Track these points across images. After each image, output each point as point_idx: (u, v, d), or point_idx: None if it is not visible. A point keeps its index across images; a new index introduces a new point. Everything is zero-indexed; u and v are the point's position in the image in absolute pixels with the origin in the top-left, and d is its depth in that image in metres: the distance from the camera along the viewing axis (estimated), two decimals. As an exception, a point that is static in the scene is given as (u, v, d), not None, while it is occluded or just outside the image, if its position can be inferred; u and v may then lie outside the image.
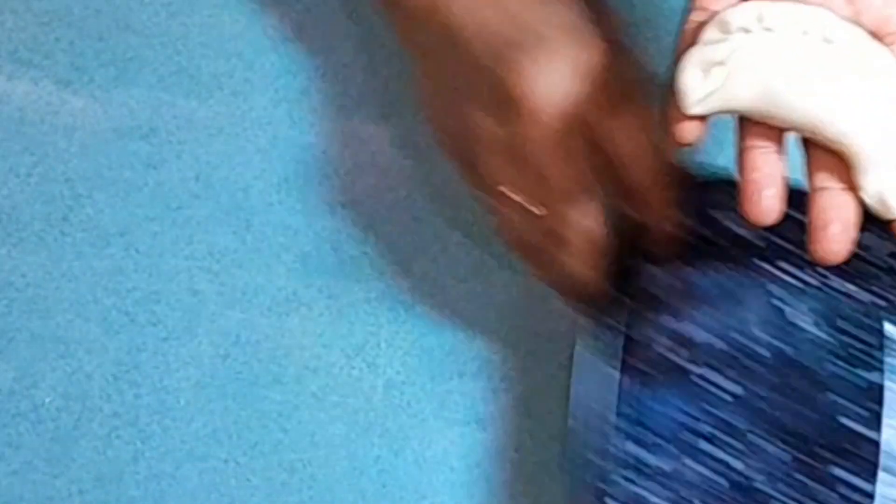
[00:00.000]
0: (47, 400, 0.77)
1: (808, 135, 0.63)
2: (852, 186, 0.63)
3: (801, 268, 0.70)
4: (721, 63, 0.64)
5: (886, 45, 0.65)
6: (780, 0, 0.65)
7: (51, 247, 0.78)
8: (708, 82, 0.63)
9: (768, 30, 0.64)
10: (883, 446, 0.68)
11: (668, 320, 0.71)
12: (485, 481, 0.77)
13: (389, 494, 0.77)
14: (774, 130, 0.64)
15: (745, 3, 0.65)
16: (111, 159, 0.79)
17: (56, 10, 0.80)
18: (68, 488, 0.76)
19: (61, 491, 0.76)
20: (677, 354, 0.71)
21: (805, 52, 0.64)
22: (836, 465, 0.69)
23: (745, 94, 0.63)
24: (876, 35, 0.65)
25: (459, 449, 0.77)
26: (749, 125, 0.64)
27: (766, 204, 0.62)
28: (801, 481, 0.69)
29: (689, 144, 0.64)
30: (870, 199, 0.62)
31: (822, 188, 0.63)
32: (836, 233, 0.62)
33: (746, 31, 0.64)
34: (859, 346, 0.69)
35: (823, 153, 0.63)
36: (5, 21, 0.81)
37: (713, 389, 0.70)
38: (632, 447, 0.71)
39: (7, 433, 0.76)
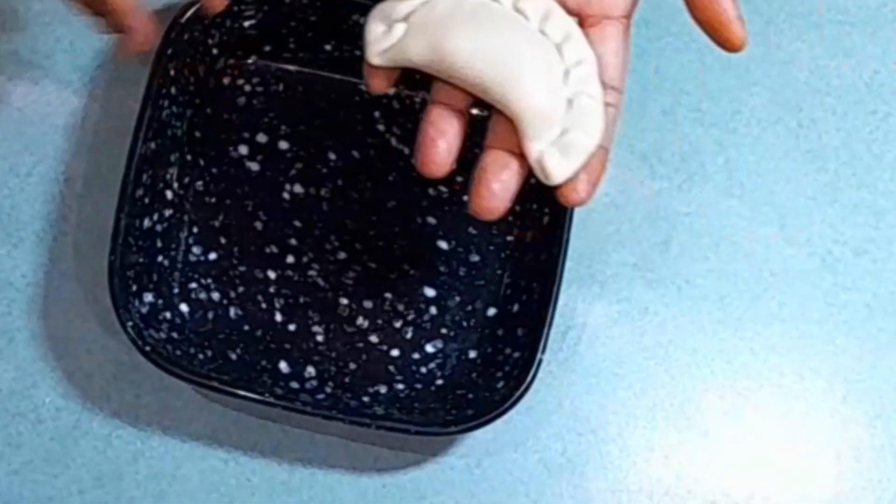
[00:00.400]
0: (47, 400, 0.77)
1: (480, 95, 0.65)
2: (520, 149, 0.65)
3: None
4: (402, 20, 0.66)
5: (587, 27, 0.66)
6: None
7: (51, 247, 0.78)
8: (390, 36, 0.66)
9: None
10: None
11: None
12: (485, 481, 0.77)
13: (389, 494, 0.77)
14: (458, 92, 0.66)
15: None
16: (111, 159, 0.79)
17: (56, 10, 0.80)
18: (68, 488, 0.76)
19: (61, 491, 0.76)
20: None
21: (481, 18, 0.66)
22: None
23: (418, 50, 0.65)
24: (578, 15, 0.66)
25: (459, 449, 0.77)
26: (437, 85, 0.66)
27: (438, 157, 0.65)
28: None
29: (378, 92, 0.67)
30: (533, 163, 0.65)
31: (490, 147, 0.65)
32: (491, 190, 0.64)
33: None
34: None
35: (499, 114, 0.65)
36: (5, 21, 0.81)
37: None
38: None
39: (7, 433, 0.76)
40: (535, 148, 0.65)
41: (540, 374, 0.77)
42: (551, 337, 0.77)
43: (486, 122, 0.66)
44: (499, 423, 0.77)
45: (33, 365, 0.77)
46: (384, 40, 0.66)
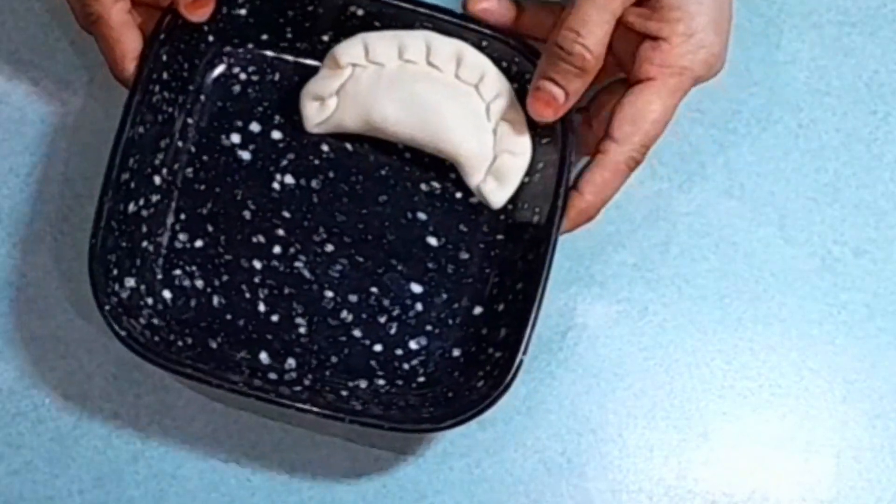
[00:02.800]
0: (47, 400, 0.77)
1: (416, 147, 0.77)
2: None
3: None
4: (334, 94, 0.75)
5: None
6: (386, 30, 0.75)
7: (51, 247, 0.78)
8: (323, 110, 0.76)
9: (375, 62, 0.75)
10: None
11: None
12: (485, 481, 0.77)
13: (389, 494, 0.77)
14: None
15: (352, 38, 0.75)
16: (111, 159, 0.79)
17: (56, 10, 0.80)
18: (68, 488, 0.76)
19: (61, 491, 0.76)
20: None
21: (400, 83, 0.75)
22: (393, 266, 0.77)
23: (352, 121, 0.76)
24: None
25: (459, 449, 0.77)
26: None
27: None
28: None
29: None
30: (477, 194, 0.76)
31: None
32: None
33: (355, 65, 0.75)
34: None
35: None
36: (5, 21, 0.81)
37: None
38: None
39: (7, 433, 0.76)
40: (474, 182, 0.76)
41: (540, 375, 0.77)
42: (551, 337, 0.77)
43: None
44: (499, 423, 0.77)
45: (33, 365, 0.77)
46: (320, 114, 0.76)
